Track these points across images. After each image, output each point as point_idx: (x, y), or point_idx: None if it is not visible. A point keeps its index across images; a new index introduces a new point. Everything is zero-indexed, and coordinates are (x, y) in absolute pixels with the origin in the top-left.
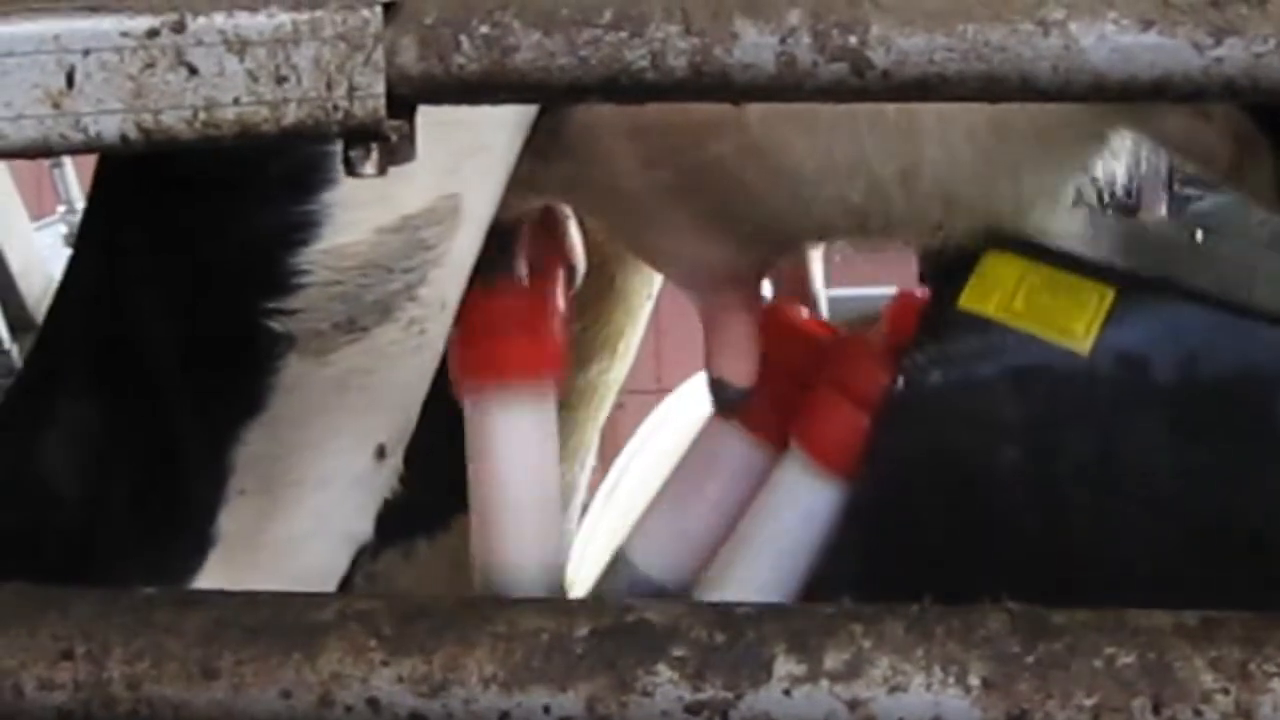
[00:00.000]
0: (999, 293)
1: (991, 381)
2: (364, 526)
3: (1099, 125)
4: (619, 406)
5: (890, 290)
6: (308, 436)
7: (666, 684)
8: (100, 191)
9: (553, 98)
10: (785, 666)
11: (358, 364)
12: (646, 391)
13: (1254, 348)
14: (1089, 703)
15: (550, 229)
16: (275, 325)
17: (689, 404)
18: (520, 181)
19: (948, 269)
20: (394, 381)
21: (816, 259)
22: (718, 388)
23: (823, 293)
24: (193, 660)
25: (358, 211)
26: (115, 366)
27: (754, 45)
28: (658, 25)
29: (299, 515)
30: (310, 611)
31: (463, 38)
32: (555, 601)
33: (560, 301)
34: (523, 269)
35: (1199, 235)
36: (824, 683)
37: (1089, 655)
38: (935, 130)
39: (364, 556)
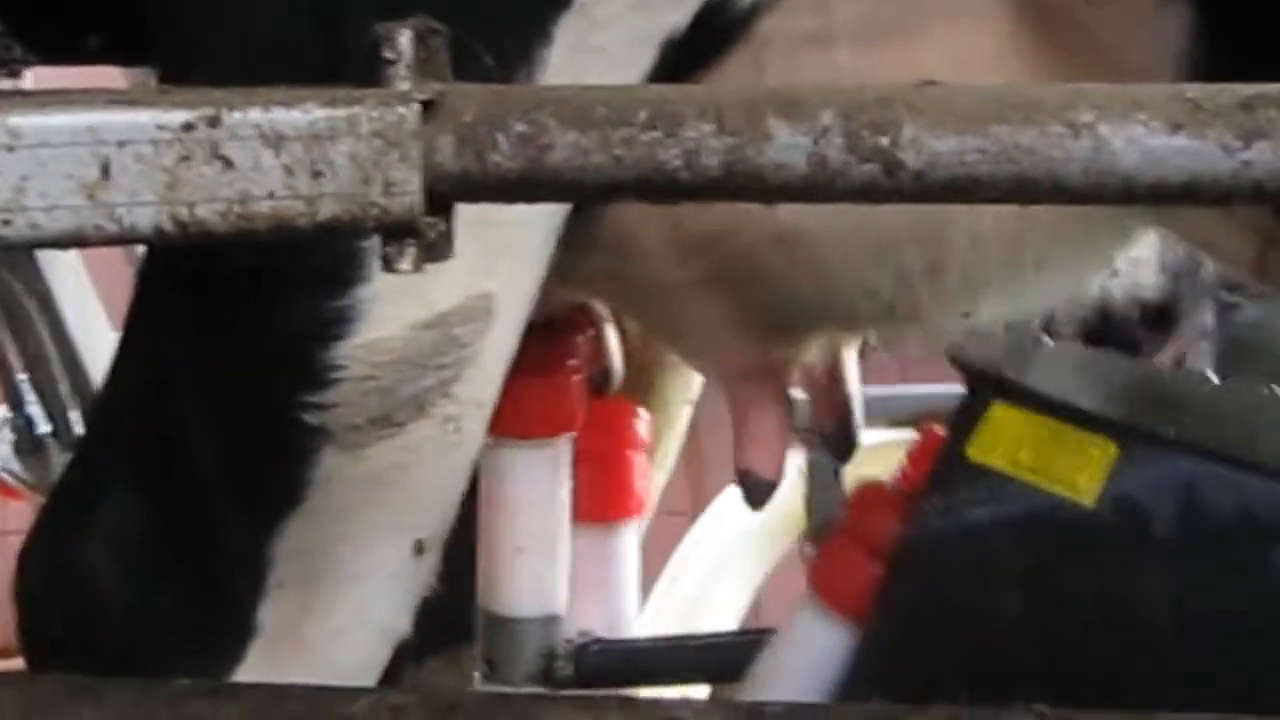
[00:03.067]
0: (1005, 444)
1: (996, 530)
2: (403, 622)
3: (1124, 220)
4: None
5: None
6: (345, 530)
7: None
8: (141, 287)
9: (588, 197)
10: None
11: (393, 459)
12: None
13: (1253, 500)
14: None
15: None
16: (311, 419)
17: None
18: (553, 275)
19: (956, 419)
20: (430, 478)
21: (851, 359)
22: (746, 480)
23: (857, 392)
24: None
25: (392, 307)
26: (157, 461)
27: (786, 145)
28: (692, 124)
29: (338, 609)
30: (342, 705)
31: (500, 136)
32: (587, 699)
33: (577, 357)
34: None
35: (1209, 381)
36: None
37: None
38: (963, 222)
39: (407, 662)
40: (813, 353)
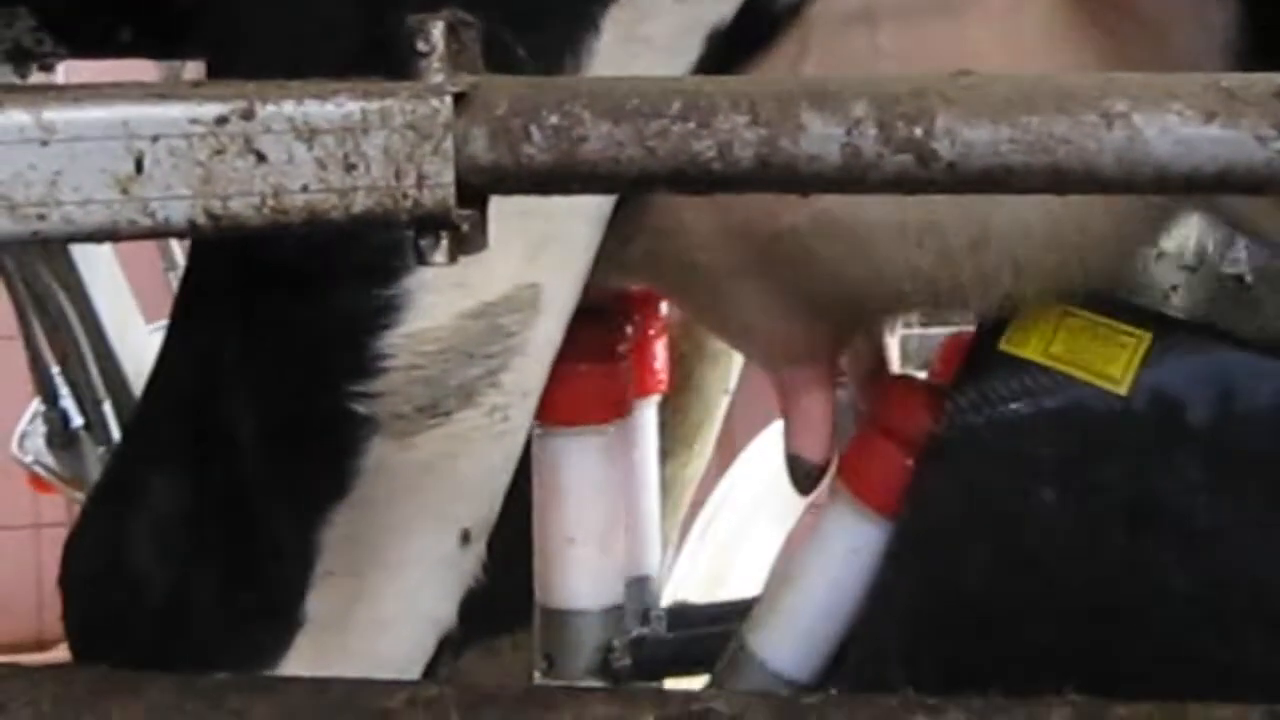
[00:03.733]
0: (1038, 336)
1: (1030, 422)
2: (449, 612)
3: (1166, 200)
4: None
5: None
6: (393, 519)
7: None
8: (189, 278)
9: (621, 188)
10: None
11: (441, 448)
12: None
13: None
14: None
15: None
16: (359, 408)
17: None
18: (600, 261)
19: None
20: (477, 467)
21: (893, 344)
22: (794, 464)
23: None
24: None
25: (438, 297)
26: (204, 450)
27: (820, 136)
28: (725, 116)
29: (385, 598)
30: (379, 698)
31: (533, 128)
32: (621, 691)
33: (626, 343)
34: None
35: (1247, 279)
36: None
37: None
38: (1005, 199)
39: (447, 654)
40: (858, 337)
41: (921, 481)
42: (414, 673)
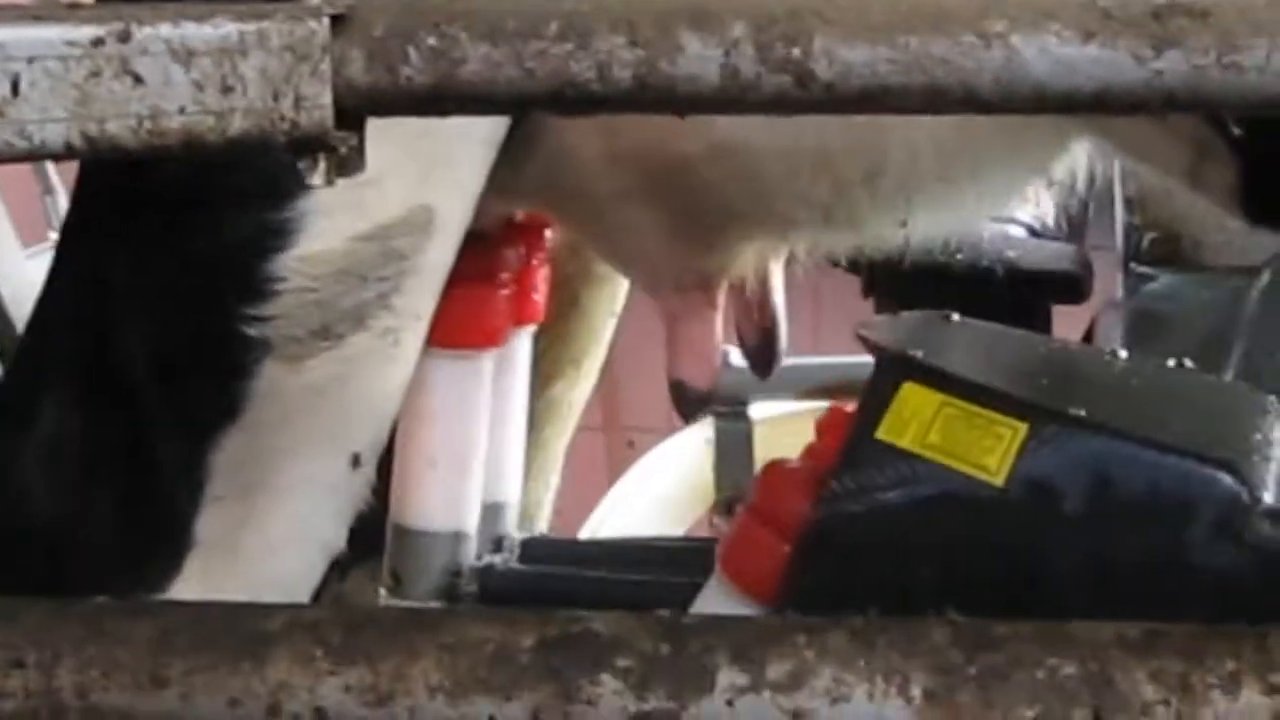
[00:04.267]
0: (915, 425)
1: (906, 511)
2: (339, 535)
3: (1060, 127)
4: (629, 445)
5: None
6: (283, 443)
7: (611, 694)
8: (78, 203)
9: (500, 110)
10: (729, 677)
11: (333, 371)
12: (659, 430)
13: (1163, 477)
14: (1030, 714)
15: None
16: (252, 331)
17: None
18: (491, 186)
19: (866, 399)
20: (368, 390)
21: (777, 273)
22: (678, 390)
23: (783, 305)
24: (142, 669)
25: (332, 219)
26: (94, 374)
27: (698, 57)
28: (603, 37)
29: (275, 521)
30: (258, 621)
31: (410, 49)
32: (501, 612)
33: (508, 271)
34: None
35: (1118, 358)
36: (767, 693)
37: (1031, 667)
38: (900, 128)
39: (333, 576)
40: (745, 263)
41: (798, 569)
42: (303, 595)
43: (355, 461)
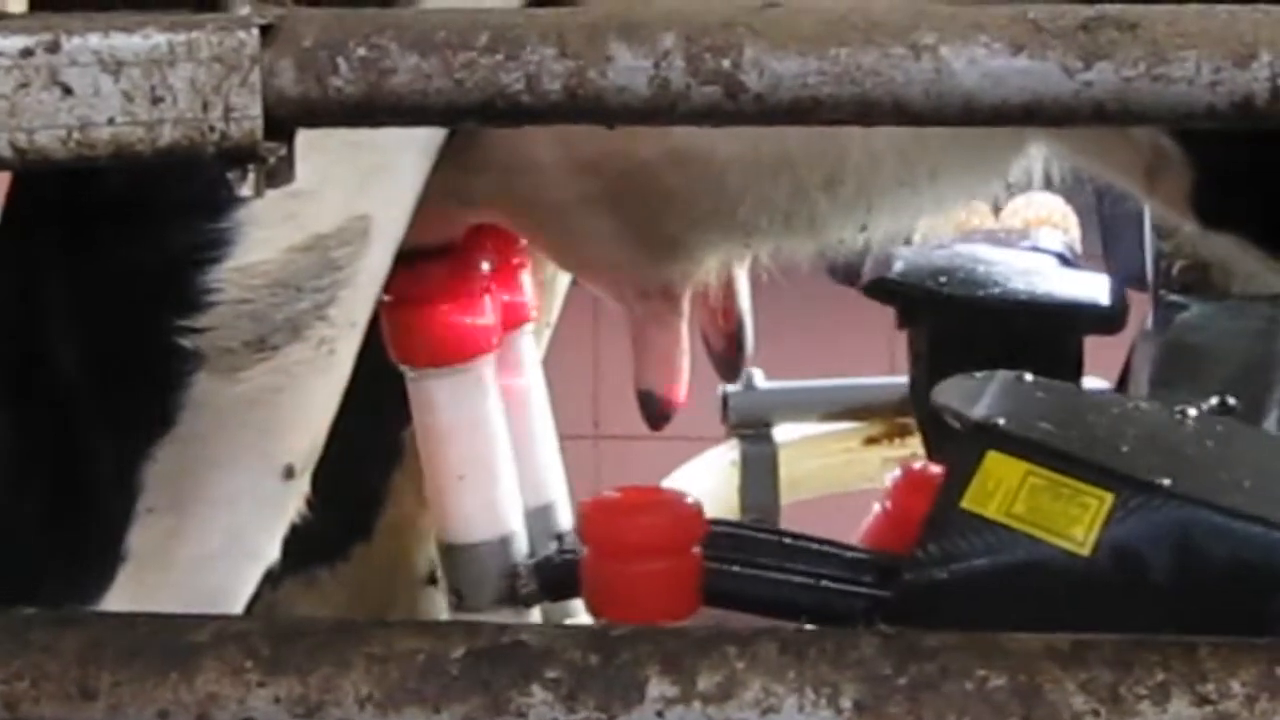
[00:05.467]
0: (1000, 494)
1: (993, 579)
2: (272, 547)
3: (1018, 132)
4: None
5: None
6: (217, 455)
7: (541, 705)
8: (10, 210)
9: (430, 120)
10: (659, 688)
11: (267, 383)
12: (583, 437)
13: (1249, 548)
14: None
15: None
16: (185, 343)
17: None
18: (446, 195)
19: (950, 466)
20: (303, 401)
21: (743, 277)
22: (645, 400)
23: (749, 310)
24: (70, 680)
25: (268, 230)
26: (26, 383)
27: (628, 68)
28: (533, 48)
29: (207, 534)
30: (187, 632)
31: (340, 60)
32: (431, 624)
33: (484, 278)
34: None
35: (1188, 417)
36: (696, 705)
37: (961, 678)
38: (858, 134)
39: (265, 585)
40: (708, 269)
41: None
42: (236, 608)
43: (289, 473)
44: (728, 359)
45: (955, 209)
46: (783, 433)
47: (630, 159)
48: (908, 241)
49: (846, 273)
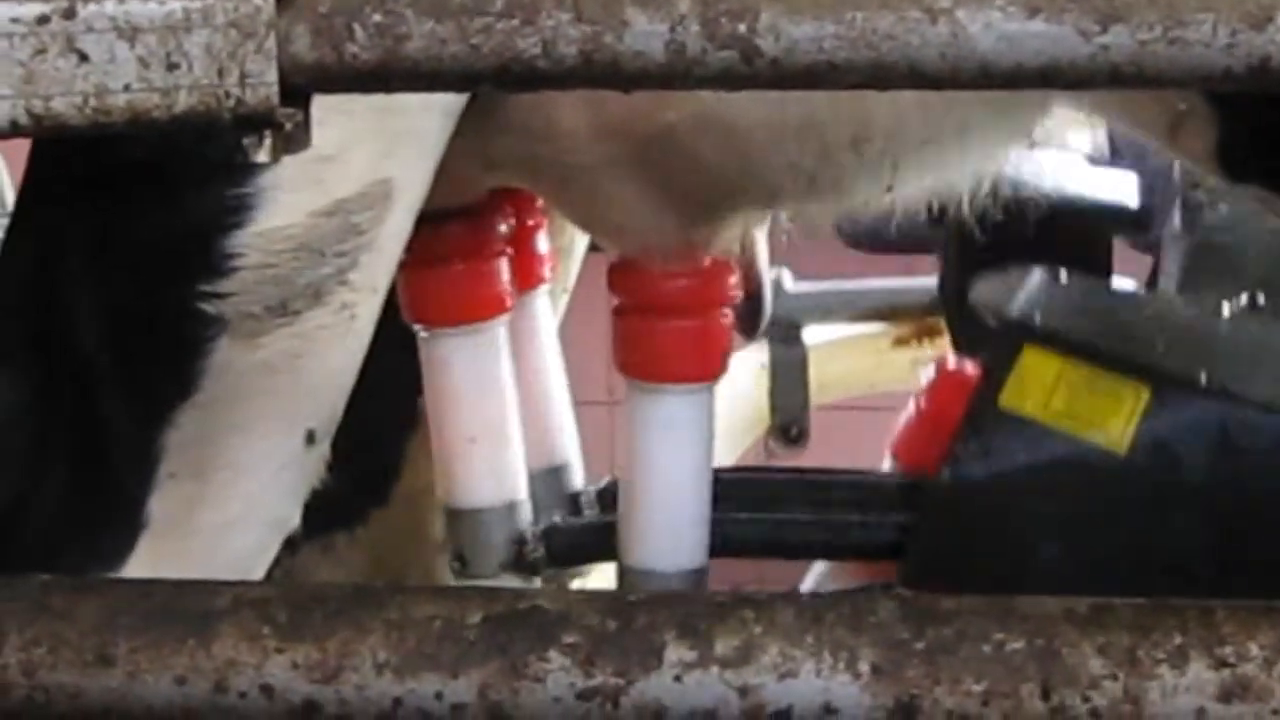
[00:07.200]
0: (1037, 391)
1: (1031, 477)
2: (293, 513)
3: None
4: None
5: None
6: (238, 420)
7: (558, 670)
8: (33, 176)
9: (446, 86)
10: (676, 653)
11: (289, 348)
12: (598, 403)
13: None
14: (978, 689)
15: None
16: (208, 308)
17: None
18: (470, 159)
19: (988, 364)
20: (324, 366)
21: (762, 236)
22: None
23: (768, 267)
24: (88, 647)
25: (291, 195)
26: (48, 349)
27: (644, 33)
28: (549, 13)
29: (229, 500)
30: (205, 599)
31: (356, 26)
32: (448, 588)
33: (501, 240)
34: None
35: (1221, 313)
36: (714, 669)
37: (978, 641)
38: (884, 94)
39: (283, 552)
40: (732, 231)
41: (922, 531)
42: (256, 574)
43: (310, 438)
44: (750, 314)
45: (982, 167)
46: (811, 334)
47: (656, 122)
48: None
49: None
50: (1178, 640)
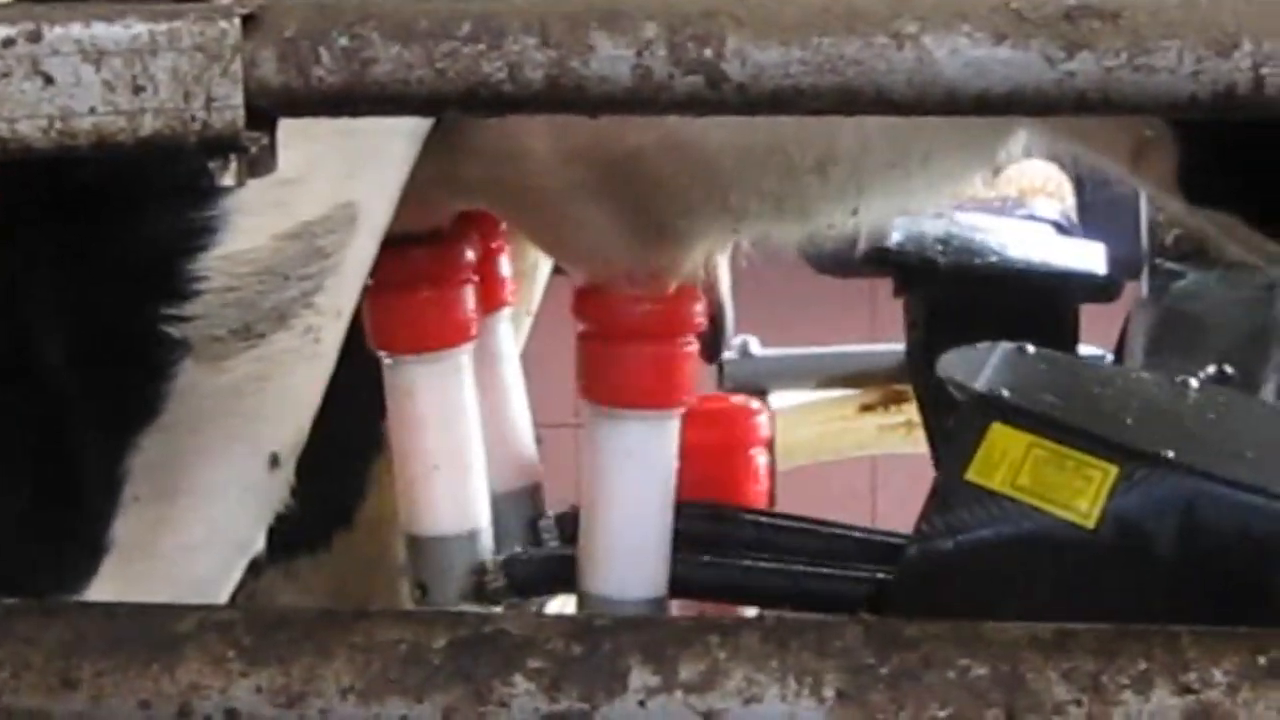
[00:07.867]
0: (1005, 467)
1: (998, 552)
2: (257, 536)
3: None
4: (538, 441)
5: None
6: (202, 444)
7: (523, 695)
8: None
9: (412, 110)
10: (641, 678)
11: (253, 371)
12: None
13: (1250, 521)
14: (942, 714)
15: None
16: (172, 331)
17: None
18: (436, 183)
19: (954, 437)
20: (288, 390)
21: (724, 263)
22: None
23: (729, 294)
24: (52, 671)
25: (255, 218)
26: (12, 371)
27: (610, 58)
28: (515, 38)
29: (193, 523)
30: (169, 622)
31: (322, 50)
32: (413, 612)
33: (468, 267)
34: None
35: (1189, 387)
36: (679, 694)
37: (942, 667)
38: (850, 118)
39: (247, 574)
40: (697, 256)
41: (889, 605)
42: (220, 597)
43: (274, 461)
44: (710, 341)
45: (946, 191)
46: (778, 400)
47: (621, 146)
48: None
49: (834, 263)
50: (1142, 666)
